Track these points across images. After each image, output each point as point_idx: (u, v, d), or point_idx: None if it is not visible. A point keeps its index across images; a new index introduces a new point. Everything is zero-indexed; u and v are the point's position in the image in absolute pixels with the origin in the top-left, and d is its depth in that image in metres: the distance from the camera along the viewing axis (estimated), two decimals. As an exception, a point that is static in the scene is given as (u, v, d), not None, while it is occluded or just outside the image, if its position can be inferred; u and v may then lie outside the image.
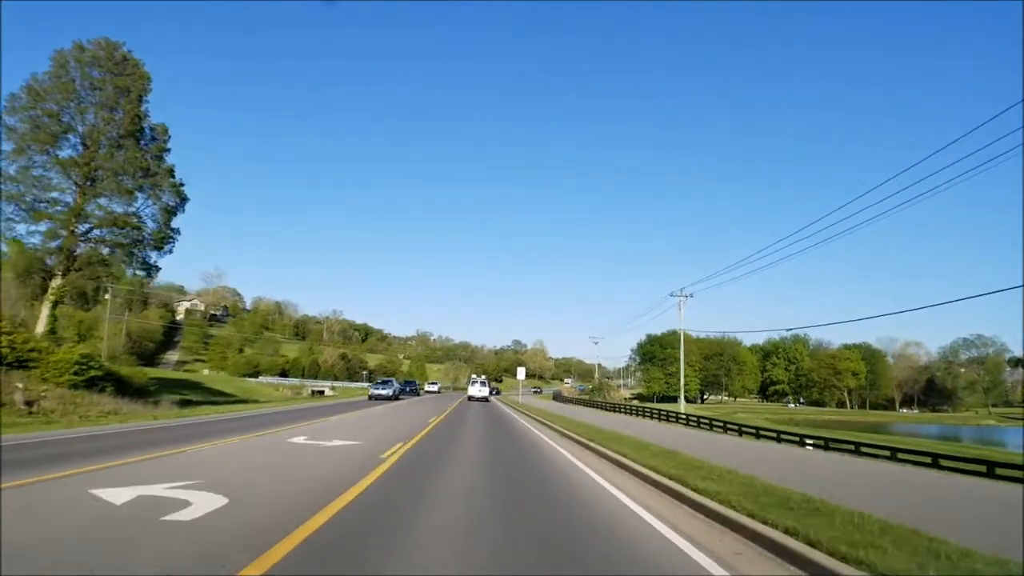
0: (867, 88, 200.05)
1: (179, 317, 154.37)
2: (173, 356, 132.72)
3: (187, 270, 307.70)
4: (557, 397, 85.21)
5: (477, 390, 55.46)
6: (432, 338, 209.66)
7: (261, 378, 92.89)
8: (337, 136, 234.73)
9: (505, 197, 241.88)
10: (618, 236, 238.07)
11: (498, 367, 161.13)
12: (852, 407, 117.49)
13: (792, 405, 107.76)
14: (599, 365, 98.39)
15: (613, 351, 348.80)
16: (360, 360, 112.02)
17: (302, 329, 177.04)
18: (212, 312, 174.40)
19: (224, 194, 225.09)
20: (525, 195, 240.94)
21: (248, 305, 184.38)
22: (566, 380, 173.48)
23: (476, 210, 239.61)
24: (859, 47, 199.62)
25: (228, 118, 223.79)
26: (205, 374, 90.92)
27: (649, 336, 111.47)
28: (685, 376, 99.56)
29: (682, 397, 45.81)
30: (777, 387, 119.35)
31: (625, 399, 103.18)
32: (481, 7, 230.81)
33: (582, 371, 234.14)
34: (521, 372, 64.66)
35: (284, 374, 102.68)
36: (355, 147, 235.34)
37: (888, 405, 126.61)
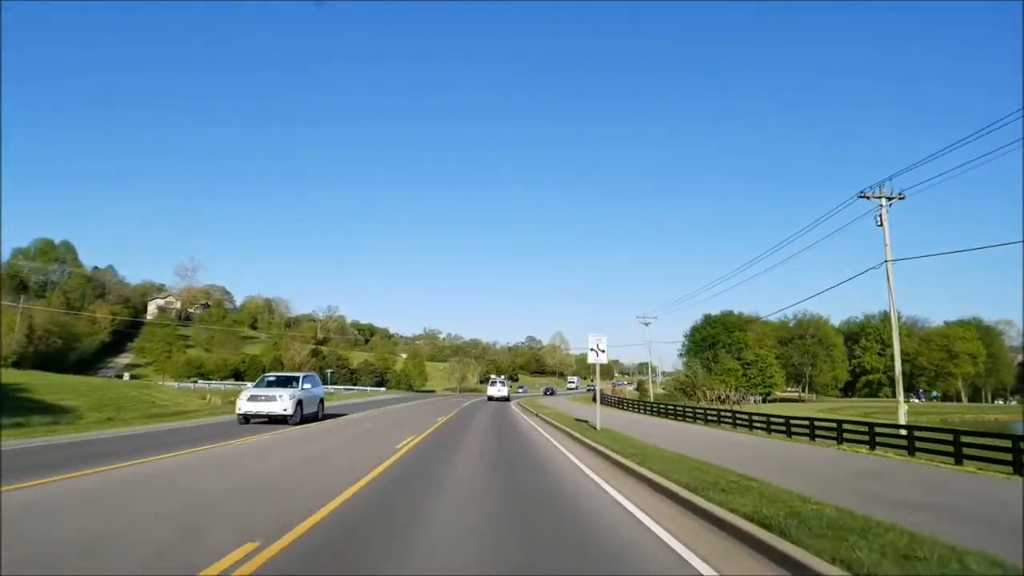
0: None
1: (151, 316, 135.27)
2: (124, 359, 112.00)
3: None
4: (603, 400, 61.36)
5: (496, 390, 53.97)
6: (441, 336, 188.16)
7: (203, 383, 70.71)
8: (341, 136, 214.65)
9: (511, 193, 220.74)
10: (636, 229, 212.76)
11: (513, 364, 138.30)
12: (962, 399, 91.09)
13: (919, 400, 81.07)
14: (649, 364, 73.68)
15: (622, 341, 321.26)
16: (341, 358, 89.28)
17: (295, 329, 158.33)
18: (189, 310, 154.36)
19: (224, 193, 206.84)
20: (527, 192, 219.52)
21: (239, 303, 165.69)
22: (570, 379, 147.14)
23: (485, 206, 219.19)
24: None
25: (231, 118, 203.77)
26: (125, 380, 68.97)
27: (708, 317, 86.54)
28: (767, 367, 75.51)
29: (900, 399, 21.00)
30: (870, 377, 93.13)
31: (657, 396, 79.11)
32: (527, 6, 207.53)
33: (603, 368, 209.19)
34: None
35: (239, 376, 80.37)
36: (360, 147, 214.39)
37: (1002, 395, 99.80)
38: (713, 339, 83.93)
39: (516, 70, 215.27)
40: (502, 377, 59.69)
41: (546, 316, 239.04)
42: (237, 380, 78.56)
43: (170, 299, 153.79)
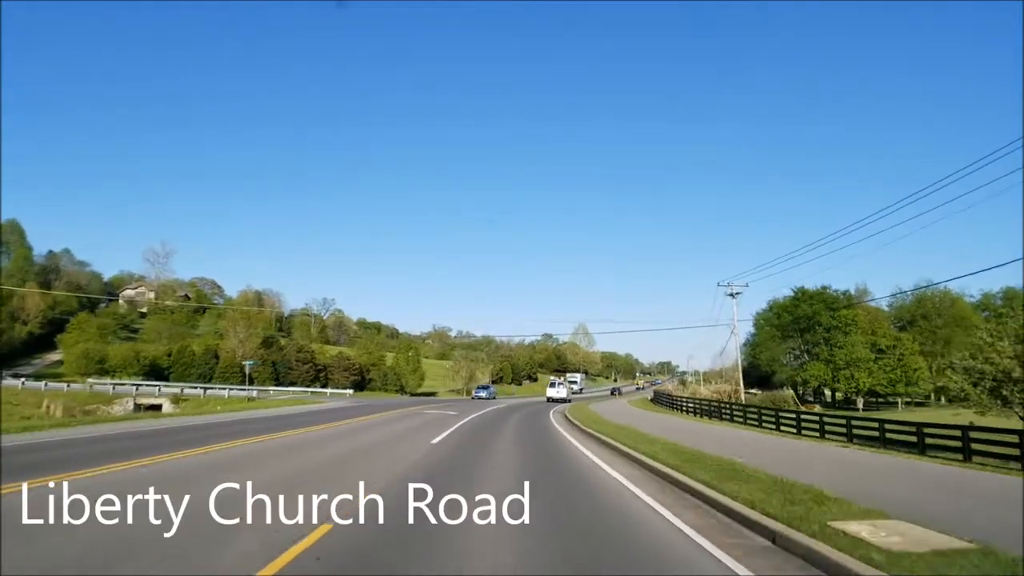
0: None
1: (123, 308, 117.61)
2: (55, 355, 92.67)
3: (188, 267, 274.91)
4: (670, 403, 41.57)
5: (556, 391, 51.91)
6: (452, 334, 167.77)
7: (95, 381, 49.84)
8: (347, 134, 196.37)
9: (515, 191, 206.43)
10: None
11: (532, 361, 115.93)
12: None
13: None
14: (737, 355, 48.84)
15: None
16: (305, 351, 67.68)
17: (286, 324, 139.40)
18: (167, 302, 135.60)
19: (224, 192, 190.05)
20: (527, 191, 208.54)
21: (234, 297, 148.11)
22: (571, 377, 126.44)
23: (498, 201, 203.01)
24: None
25: (238, 114, 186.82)
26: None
27: (799, 290, 62.22)
28: (907, 357, 48.33)
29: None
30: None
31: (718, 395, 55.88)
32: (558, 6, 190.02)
33: (624, 366, 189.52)
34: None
35: (160, 374, 59.47)
36: (372, 145, 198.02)
37: None
38: (809, 320, 59.94)
39: (513, 70, 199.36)
40: (560, 378, 58.95)
41: (565, 313, 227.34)
42: (158, 379, 57.82)
43: (141, 289, 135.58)
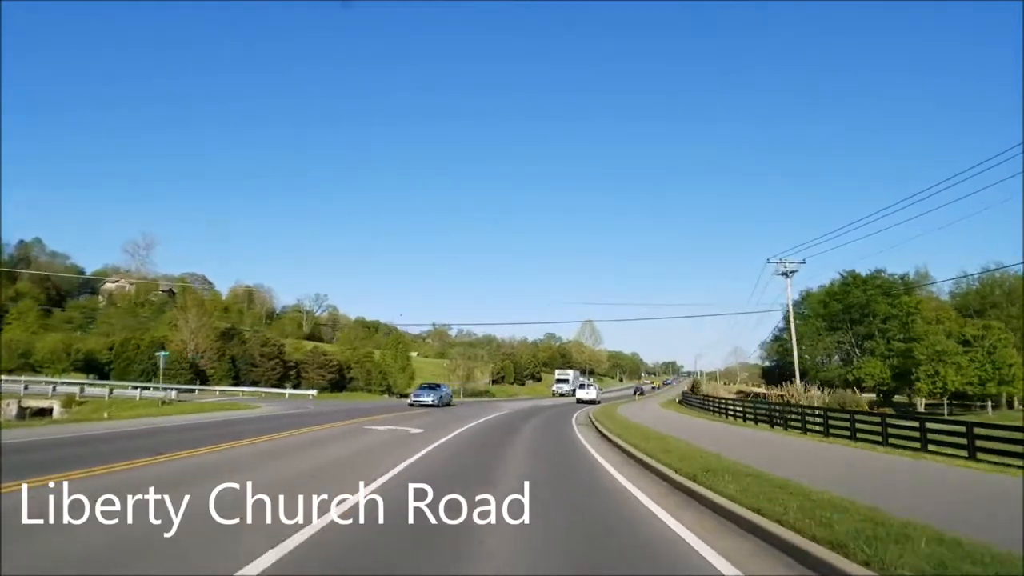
0: None
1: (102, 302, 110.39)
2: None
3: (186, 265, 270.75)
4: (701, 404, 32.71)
5: (585, 392, 52.12)
6: (452, 333, 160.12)
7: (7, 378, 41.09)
8: (349, 132, 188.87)
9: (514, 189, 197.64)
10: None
11: (535, 360, 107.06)
12: None
13: None
14: (789, 319, 38.80)
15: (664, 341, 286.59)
16: (271, 344, 58.49)
17: (277, 321, 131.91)
18: (147, 298, 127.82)
19: (227, 190, 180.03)
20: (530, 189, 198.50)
21: (224, 293, 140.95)
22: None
23: (498, 201, 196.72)
24: None
25: (238, 114, 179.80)
26: None
27: (850, 274, 52.28)
28: (1001, 349, 35.94)
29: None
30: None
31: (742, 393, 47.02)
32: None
33: (630, 366, 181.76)
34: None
35: (100, 372, 50.83)
36: (372, 145, 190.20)
37: None
38: (863, 308, 50.05)
39: (513, 70, 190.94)
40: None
41: (566, 313, 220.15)
42: (101, 376, 49.18)
43: (121, 283, 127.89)
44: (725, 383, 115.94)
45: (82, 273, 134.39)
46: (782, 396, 34.65)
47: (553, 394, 75.93)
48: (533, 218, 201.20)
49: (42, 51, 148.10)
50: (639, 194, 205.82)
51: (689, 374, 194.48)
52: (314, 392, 45.96)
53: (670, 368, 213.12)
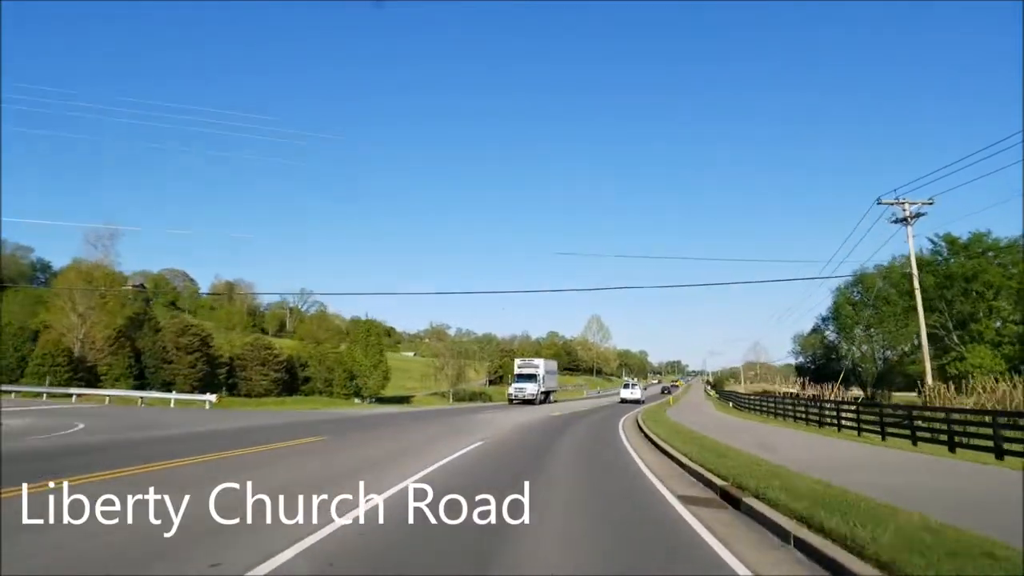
0: None
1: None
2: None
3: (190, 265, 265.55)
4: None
5: (629, 393, 53.47)
6: (450, 333, 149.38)
7: None
8: (350, 132, 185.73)
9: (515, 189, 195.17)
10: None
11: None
12: None
13: None
14: (914, 283, 25.89)
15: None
16: (191, 334, 45.62)
17: (259, 319, 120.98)
18: (109, 291, 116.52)
19: (223, 192, 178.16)
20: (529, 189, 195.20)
21: (206, 288, 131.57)
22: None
23: (499, 200, 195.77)
24: None
25: (256, 109, 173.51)
26: None
27: (946, 237, 38.86)
28: None
29: None
30: None
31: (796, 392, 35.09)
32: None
33: (638, 365, 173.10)
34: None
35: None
36: (371, 145, 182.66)
37: None
38: (966, 283, 36.36)
39: (513, 70, 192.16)
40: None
41: (568, 313, 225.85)
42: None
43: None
44: (751, 379, 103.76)
45: (48, 267, 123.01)
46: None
47: (510, 400, 48.50)
48: (532, 218, 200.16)
49: (43, 52, 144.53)
50: (639, 194, 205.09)
51: (694, 374, 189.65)
52: (212, 397, 33.18)
53: (676, 367, 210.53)
